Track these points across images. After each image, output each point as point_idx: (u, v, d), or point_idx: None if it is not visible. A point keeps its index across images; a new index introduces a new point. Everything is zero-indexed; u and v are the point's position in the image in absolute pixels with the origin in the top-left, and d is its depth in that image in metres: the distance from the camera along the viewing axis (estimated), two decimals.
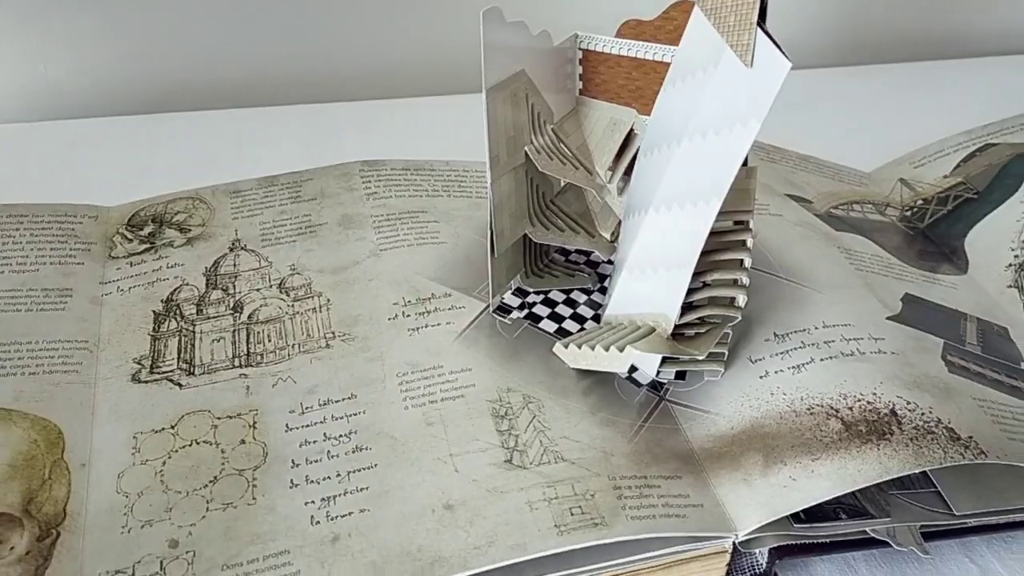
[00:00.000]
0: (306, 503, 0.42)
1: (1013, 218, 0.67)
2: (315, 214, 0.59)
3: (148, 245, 0.58)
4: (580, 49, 0.54)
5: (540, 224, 0.54)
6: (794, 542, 0.45)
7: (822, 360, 0.49)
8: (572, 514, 0.42)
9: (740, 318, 0.48)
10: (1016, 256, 0.64)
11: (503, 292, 0.53)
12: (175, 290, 0.54)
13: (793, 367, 0.49)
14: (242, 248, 0.57)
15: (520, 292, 0.54)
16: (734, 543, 0.43)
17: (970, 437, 0.46)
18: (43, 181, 0.69)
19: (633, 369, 0.50)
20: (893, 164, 0.75)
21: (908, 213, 0.70)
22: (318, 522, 0.42)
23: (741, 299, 0.47)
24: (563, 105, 0.55)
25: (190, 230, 0.59)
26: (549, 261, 0.57)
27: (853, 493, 0.46)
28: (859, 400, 0.47)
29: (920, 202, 0.71)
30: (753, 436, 0.47)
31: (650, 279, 0.47)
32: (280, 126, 0.78)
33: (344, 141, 0.76)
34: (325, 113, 0.80)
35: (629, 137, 0.54)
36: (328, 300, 0.53)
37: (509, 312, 0.52)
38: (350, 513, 0.42)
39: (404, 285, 0.54)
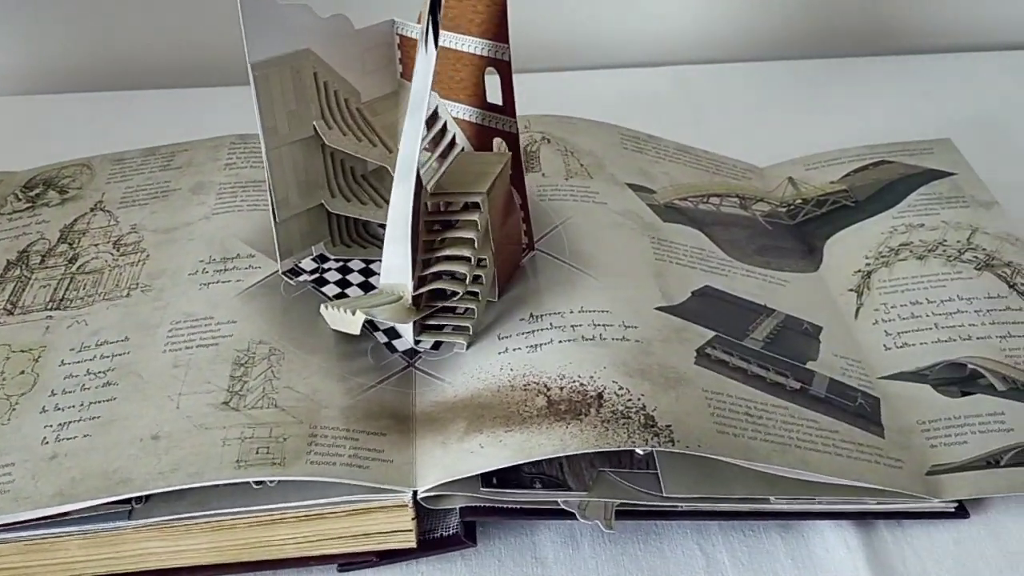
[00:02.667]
0: (45, 426, 0.48)
1: (879, 230, 0.65)
2: (174, 181, 0.65)
3: (29, 204, 0.65)
4: (398, 35, 0.58)
5: (341, 196, 0.58)
6: (482, 504, 0.47)
7: (561, 342, 0.51)
8: (257, 453, 0.45)
9: (462, 292, 0.50)
10: (868, 264, 0.63)
11: (298, 257, 0.57)
12: (32, 243, 0.61)
13: (531, 346, 0.51)
14: (101, 209, 0.63)
15: (321, 258, 0.58)
16: (416, 499, 0.46)
17: (668, 426, 0.46)
18: None
19: (396, 336, 0.54)
20: (788, 163, 0.74)
21: (783, 209, 0.69)
22: (47, 442, 0.47)
23: (469, 275, 0.50)
24: (382, 86, 0.58)
25: (68, 192, 0.66)
26: (369, 234, 0.61)
27: (560, 466, 0.48)
28: (573, 381, 0.49)
29: (799, 201, 0.70)
30: (468, 405, 0.49)
31: (390, 252, 0.51)
32: (216, 104, 0.84)
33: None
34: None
35: (432, 118, 0.57)
36: (148, 256, 0.59)
37: (299, 275, 0.57)
38: (74, 437, 0.47)
39: (217, 245, 0.59)
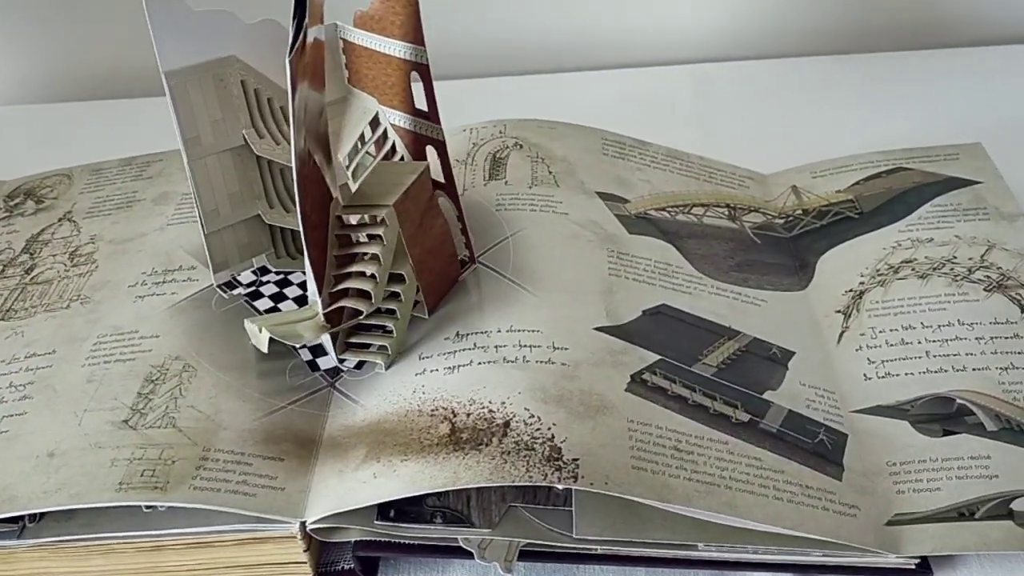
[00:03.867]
0: None
1: (880, 245, 0.59)
2: (141, 191, 0.65)
3: (7, 214, 0.66)
4: (341, 39, 0.55)
5: (280, 207, 0.56)
6: (376, 539, 0.44)
7: (479, 364, 0.48)
8: (142, 476, 0.44)
9: (367, 311, 0.47)
10: (861, 284, 0.57)
11: (236, 269, 0.55)
12: None
13: (449, 368, 0.48)
14: (68, 219, 0.64)
15: (262, 271, 0.56)
16: (307, 531, 0.44)
17: (574, 459, 0.42)
18: None
19: (322, 353, 0.51)
20: (794, 171, 0.68)
21: (780, 221, 0.63)
22: None
23: (374, 292, 0.47)
24: (327, 92, 0.56)
25: (44, 202, 0.66)
26: None
27: (467, 500, 0.45)
28: (483, 407, 0.45)
29: (799, 212, 0.64)
30: (373, 430, 0.46)
31: (306, 266, 0.48)
32: None
33: None
34: None
35: (374, 123, 0.55)
36: (97, 267, 0.58)
37: (235, 288, 0.55)
38: None
39: (163, 257, 0.58)
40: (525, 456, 0.42)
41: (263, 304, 0.54)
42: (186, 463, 0.44)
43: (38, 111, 0.87)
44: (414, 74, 0.50)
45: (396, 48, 0.50)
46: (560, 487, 0.42)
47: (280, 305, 0.54)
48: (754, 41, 0.85)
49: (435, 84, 0.49)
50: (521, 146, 0.64)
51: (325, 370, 0.50)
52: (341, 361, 0.51)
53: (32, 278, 0.59)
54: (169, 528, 0.44)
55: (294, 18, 0.40)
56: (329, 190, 0.47)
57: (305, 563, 0.45)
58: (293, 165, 0.41)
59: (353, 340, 0.50)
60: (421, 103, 0.51)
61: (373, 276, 0.47)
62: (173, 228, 0.60)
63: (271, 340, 0.48)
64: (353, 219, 0.47)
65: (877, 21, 0.84)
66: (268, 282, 0.55)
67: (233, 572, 0.45)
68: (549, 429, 0.44)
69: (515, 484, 0.41)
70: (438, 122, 0.50)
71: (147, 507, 0.44)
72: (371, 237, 0.47)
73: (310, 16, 0.40)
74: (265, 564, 0.45)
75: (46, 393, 0.49)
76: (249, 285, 0.55)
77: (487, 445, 0.43)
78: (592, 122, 0.67)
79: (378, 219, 0.46)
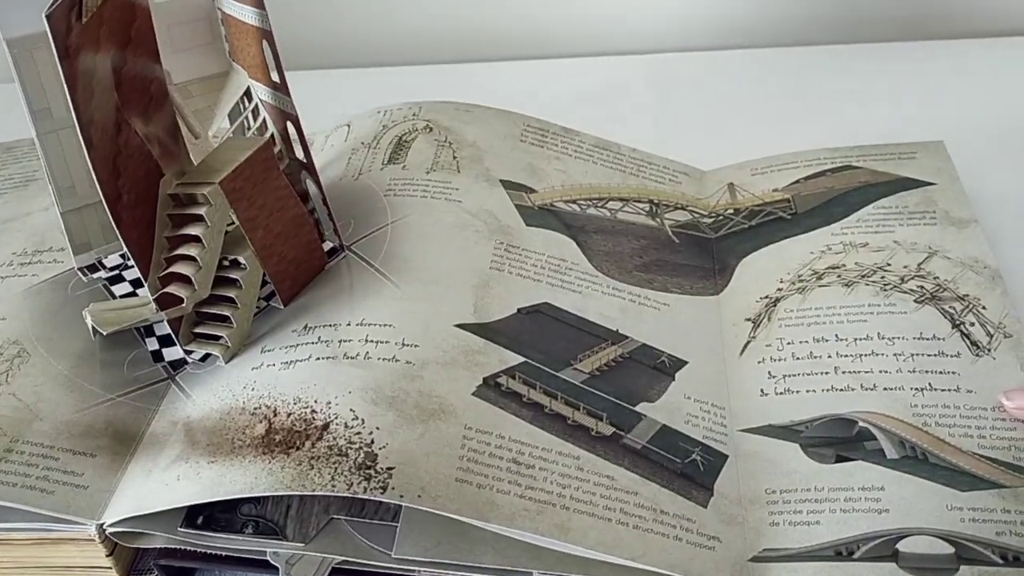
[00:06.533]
0: None
1: (808, 249, 0.53)
2: (41, 170, 0.62)
3: None
4: (219, 10, 0.52)
5: None
6: (180, 547, 0.40)
7: (318, 359, 0.43)
8: None
9: (188, 299, 0.43)
10: (779, 290, 0.51)
11: (101, 252, 0.52)
12: None
13: (286, 363, 0.44)
14: None
15: None
16: (105, 533, 0.40)
17: (389, 468, 0.38)
18: None
19: (169, 344, 0.48)
20: (734, 167, 0.62)
21: (708, 220, 0.58)
22: None
23: (195, 277, 0.43)
24: (201, 66, 0.53)
25: None
26: None
27: (286, 509, 0.41)
28: (306, 407, 0.41)
29: (730, 212, 0.58)
30: (194, 428, 0.42)
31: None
32: None
33: None
34: None
35: (247, 96, 0.51)
36: None
37: (97, 271, 0.52)
38: None
39: (38, 237, 0.55)
40: (335, 463, 0.38)
41: (121, 289, 0.51)
42: None
43: None
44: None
45: (247, 14, 0.46)
46: (366, 498, 0.38)
47: (139, 291, 0.51)
48: (716, 32, 0.80)
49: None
50: (431, 129, 0.59)
51: (169, 362, 0.47)
52: (188, 352, 0.47)
53: None
54: None
55: None
56: (158, 166, 0.43)
57: (110, 568, 0.41)
58: (80, 137, 0.37)
59: (199, 330, 0.47)
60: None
61: (194, 259, 0.43)
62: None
63: (94, 329, 0.44)
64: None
65: (850, 11, 0.78)
66: (133, 266, 0.52)
67: (40, 572, 0.42)
68: (371, 434, 0.39)
69: (316, 494, 0.37)
70: (287, 93, 0.46)
71: None
72: (196, 218, 0.43)
73: None
74: (69, 567, 0.42)
75: None
76: (113, 269, 0.52)
77: (298, 449, 0.39)
78: (539, 112, 0.63)
79: (201, 198, 0.42)
